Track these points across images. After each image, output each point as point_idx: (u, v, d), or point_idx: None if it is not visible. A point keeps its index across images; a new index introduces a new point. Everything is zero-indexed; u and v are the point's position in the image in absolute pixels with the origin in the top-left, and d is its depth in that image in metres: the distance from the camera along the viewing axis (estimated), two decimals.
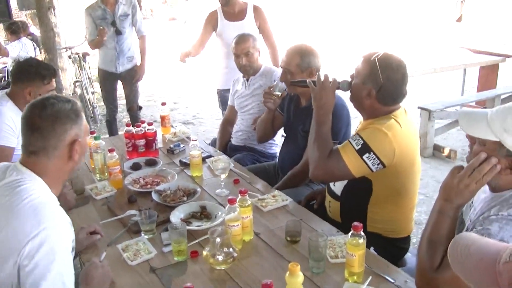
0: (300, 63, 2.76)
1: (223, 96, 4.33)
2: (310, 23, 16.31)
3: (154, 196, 2.41)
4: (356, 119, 2.53)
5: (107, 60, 4.99)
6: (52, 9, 5.44)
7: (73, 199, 2.41)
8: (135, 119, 5.02)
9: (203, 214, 2.26)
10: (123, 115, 6.65)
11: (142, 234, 2.11)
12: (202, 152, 2.85)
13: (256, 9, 4.29)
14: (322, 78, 2.24)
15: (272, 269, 1.86)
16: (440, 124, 5.56)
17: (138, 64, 5.10)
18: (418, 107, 5.34)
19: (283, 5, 18.67)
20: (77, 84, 5.78)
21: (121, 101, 5.85)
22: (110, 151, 2.63)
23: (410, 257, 2.34)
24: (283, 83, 2.86)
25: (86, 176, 2.79)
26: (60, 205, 2.35)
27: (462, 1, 12.77)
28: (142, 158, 2.94)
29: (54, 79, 2.91)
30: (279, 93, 2.93)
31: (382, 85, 2.13)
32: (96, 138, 2.77)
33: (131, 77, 5.08)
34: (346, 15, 17.78)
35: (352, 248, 1.71)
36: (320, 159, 2.16)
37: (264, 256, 1.96)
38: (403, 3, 19.55)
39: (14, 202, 1.53)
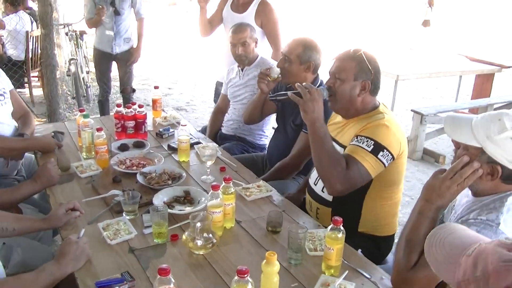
0: (302, 54, 2.75)
1: (217, 88, 4.25)
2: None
3: (139, 178, 2.41)
4: None
5: (104, 40, 4.96)
6: None
7: (57, 175, 2.41)
8: (127, 102, 5.00)
9: (187, 199, 2.26)
10: (116, 97, 6.62)
11: (124, 215, 2.11)
12: (191, 138, 2.85)
13: (262, 3, 3.82)
14: (306, 89, 2.13)
15: (250, 257, 1.87)
16: (431, 129, 5.58)
17: (135, 46, 5.07)
18: (411, 110, 5.37)
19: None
20: (72, 62, 5.76)
21: (115, 82, 5.83)
22: (98, 130, 2.62)
23: (390, 256, 2.36)
24: (279, 69, 2.86)
25: (73, 154, 2.78)
26: (43, 180, 2.36)
27: (429, 6, 12.89)
28: (130, 139, 2.93)
29: None
30: (275, 77, 2.93)
31: (373, 76, 2.19)
32: (85, 116, 2.76)
33: (127, 59, 5.06)
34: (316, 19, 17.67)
35: (330, 241, 1.72)
36: (340, 173, 2.05)
37: (244, 244, 1.97)
38: (372, 6, 19.91)
39: None
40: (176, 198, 2.26)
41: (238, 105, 3.55)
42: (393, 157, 2.11)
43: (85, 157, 2.72)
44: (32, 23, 6.62)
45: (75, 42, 6.08)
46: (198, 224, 1.83)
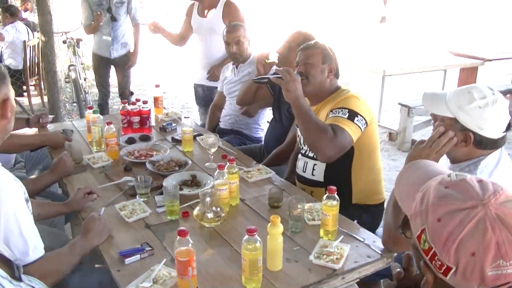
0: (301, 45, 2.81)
1: (196, 90, 4.47)
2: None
3: (148, 165, 2.61)
4: None
5: (102, 45, 5.17)
6: None
7: (72, 166, 2.60)
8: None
9: (194, 182, 2.46)
10: (113, 102, 6.80)
11: (137, 197, 2.30)
12: (193, 131, 3.06)
13: (227, 4, 4.06)
14: (285, 72, 2.31)
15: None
16: (419, 121, 5.81)
17: (132, 51, 5.28)
18: (398, 103, 5.60)
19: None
20: (71, 68, 5.94)
21: (112, 88, 6.02)
22: (108, 123, 2.82)
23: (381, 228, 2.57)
24: (278, 55, 3.07)
25: (83, 149, 2.97)
26: (59, 171, 2.56)
27: (384, 2, 13.51)
28: (136, 134, 3.13)
29: None
30: (272, 61, 3.16)
31: (335, 60, 2.52)
32: (94, 112, 2.95)
33: (124, 63, 5.27)
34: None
35: (326, 208, 1.93)
36: (330, 140, 2.25)
37: (249, 218, 2.18)
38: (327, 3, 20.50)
39: None
40: (184, 181, 2.46)
41: (234, 100, 3.75)
42: (366, 123, 2.38)
43: (95, 150, 2.92)
44: (28, 33, 6.81)
45: (72, 50, 6.25)
46: (208, 199, 2.03)
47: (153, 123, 3.40)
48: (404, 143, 5.52)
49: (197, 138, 3.09)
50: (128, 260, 1.82)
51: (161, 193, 2.29)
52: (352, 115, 2.33)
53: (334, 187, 1.94)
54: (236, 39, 3.59)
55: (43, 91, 6.78)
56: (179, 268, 1.64)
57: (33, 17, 7.87)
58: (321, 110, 2.53)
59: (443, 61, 6.67)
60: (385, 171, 3.69)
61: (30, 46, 6.52)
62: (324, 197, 1.95)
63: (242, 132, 3.71)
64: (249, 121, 3.69)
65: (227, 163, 2.24)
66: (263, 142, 3.59)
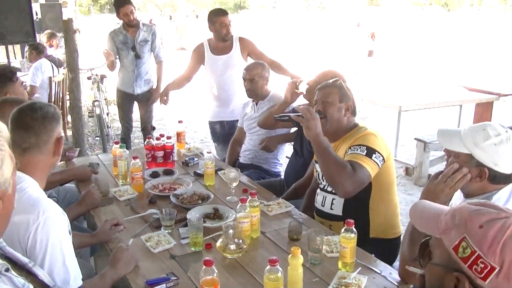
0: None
1: (213, 128, 4.64)
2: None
3: (172, 198, 2.72)
4: None
5: (126, 81, 5.37)
6: (78, 32, 5.88)
7: (99, 199, 2.73)
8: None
9: (216, 215, 2.56)
10: (134, 136, 6.98)
11: (162, 229, 2.41)
12: (214, 165, 3.17)
13: (242, 40, 4.44)
14: (306, 110, 2.44)
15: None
16: (435, 156, 5.86)
17: (154, 87, 5.47)
18: (414, 138, 5.68)
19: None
20: (96, 104, 6.15)
21: (134, 123, 6.20)
22: (134, 158, 2.95)
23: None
24: (308, 86, 3.21)
25: (110, 182, 3.10)
26: (87, 203, 2.68)
27: (371, 37, 14.01)
28: (160, 168, 3.26)
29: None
30: (301, 91, 3.30)
31: (352, 98, 2.64)
32: (121, 147, 3.09)
33: (147, 99, 5.44)
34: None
35: (345, 241, 2.01)
36: (348, 176, 2.34)
37: (269, 250, 2.26)
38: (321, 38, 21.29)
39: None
40: (207, 214, 2.56)
41: (254, 136, 3.88)
42: (383, 159, 2.47)
43: (121, 183, 3.04)
44: (53, 68, 7.08)
45: (97, 86, 6.49)
46: (231, 231, 2.13)
47: (175, 157, 3.52)
48: (421, 178, 5.56)
49: (219, 172, 3.20)
50: None
51: (185, 225, 2.39)
52: (370, 152, 2.43)
53: (352, 221, 2.02)
54: (250, 77, 3.77)
55: (67, 125, 6.99)
56: None
57: (58, 53, 8.19)
58: (339, 147, 2.63)
59: (459, 97, 6.74)
60: (402, 206, 3.75)
61: (55, 82, 6.76)
62: (342, 229, 2.04)
63: (262, 166, 3.81)
64: (269, 156, 3.80)
65: (249, 196, 2.34)
66: (282, 176, 3.69)
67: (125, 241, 2.28)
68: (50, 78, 6.72)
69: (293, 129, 3.76)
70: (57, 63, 7.32)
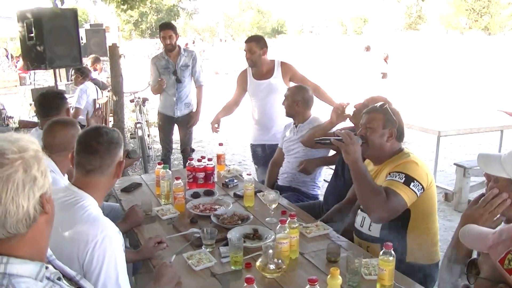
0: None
1: (254, 150, 4.73)
2: None
3: (213, 218, 2.80)
4: None
5: (167, 105, 5.53)
6: (123, 57, 6.11)
7: (143, 217, 2.83)
8: (187, 161, 5.47)
9: (255, 235, 2.62)
10: (174, 158, 7.14)
11: (203, 248, 2.48)
12: (254, 187, 3.24)
13: (283, 65, 4.54)
14: (346, 135, 2.49)
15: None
16: (475, 182, 5.78)
17: (194, 110, 5.61)
18: (454, 164, 5.62)
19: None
20: (138, 125, 6.34)
21: (174, 144, 6.36)
22: (177, 178, 3.05)
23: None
24: (355, 109, 3.24)
25: (152, 201, 3.20)
26: (131, 220, 2.78)
27: (384, 59, 13.96)
28: (201, 189, 3.35)
29: None
30: (347, 114, 3.36)
31: (398, 124, 2.63)
32: (164, 168, 3.20)
33: (187, 121, 5.59)
34: None
35: (383, 263, 2.03)
36: (381, 203, 2.39)
37: (308, 270, 2.30)
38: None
39: (77, 214, 1.89)
40: (246, 235, 2.62)
41: (292, 158, 3.94)
42: (423, 188, 2.47)
43: (164, 203, 3.14)
44: (97, 91, 7.34)
45: (139, 108, 6.70)
46: (270, 251, 2.18)
47: (215, 179, 3.61)
48: (460, 204, 5.48)
49: (258, 194, 3.26)
50: None
51: (225, 245, 2.46)
52: (409, 180, 2.44)
53: (390, 244, 2.05)
54: (287, 99, 3.87)
55: None
56: None
57: (102, 76, 8.50)
58: (381, 171, 2.66)
59: (500, 122, 6.64)
60: (441, 232, 3.72)
61: (99, 104, 7.00)
62: (381, 252, 2.06)
63: (300, 189, 3.85)
64: (306, 179, 3.85)
65: (288, 218, 2.40)
66: (319, 199, 3.73)
67: (168, 258, 2.35)
68: (94, 100, 6.97)
69: (332, 152, 3.80)
70: (101, 86, 7.61)
